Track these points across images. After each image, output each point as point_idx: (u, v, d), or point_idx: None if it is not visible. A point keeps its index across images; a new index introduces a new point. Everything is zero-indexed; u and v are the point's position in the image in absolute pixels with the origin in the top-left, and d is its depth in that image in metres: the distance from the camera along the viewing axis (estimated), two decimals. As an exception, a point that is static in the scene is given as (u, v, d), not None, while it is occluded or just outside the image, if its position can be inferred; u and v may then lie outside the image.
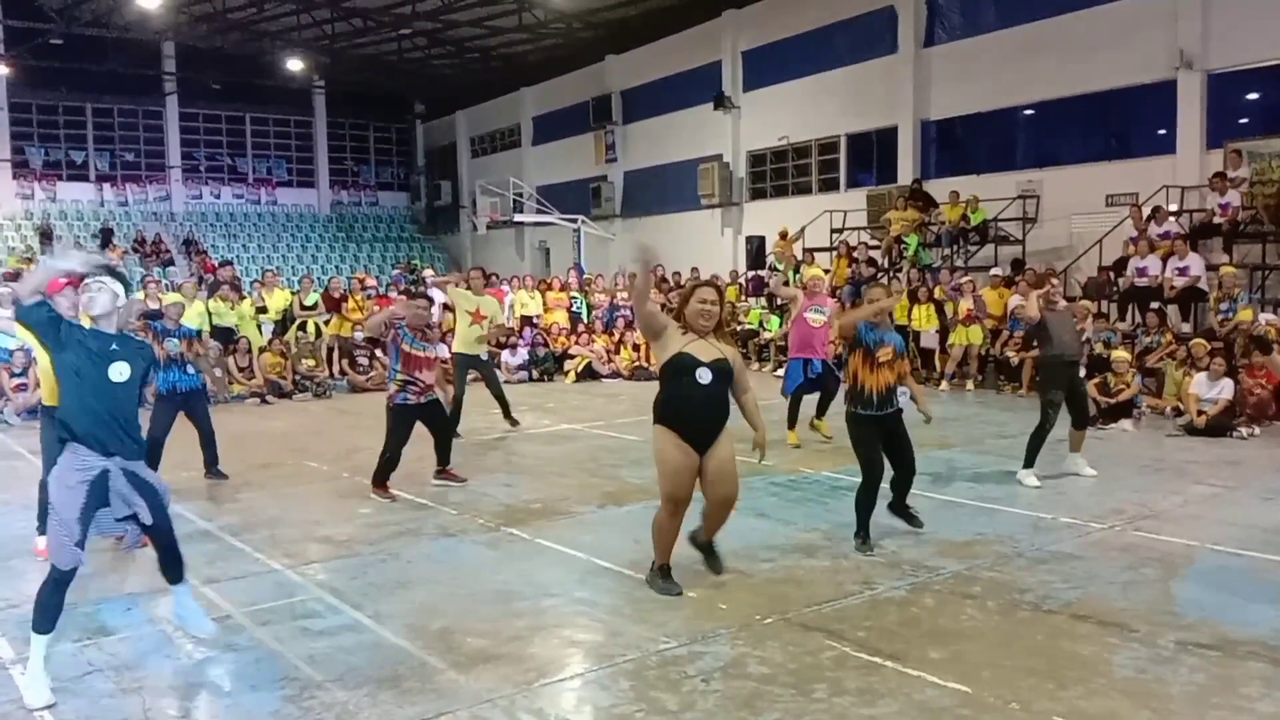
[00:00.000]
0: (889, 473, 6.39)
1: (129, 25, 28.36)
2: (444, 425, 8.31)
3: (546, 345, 17.58)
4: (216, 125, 34.28)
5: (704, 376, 5.18)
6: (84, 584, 5.62)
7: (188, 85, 32.66)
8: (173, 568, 4.64)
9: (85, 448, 4.28)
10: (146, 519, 4.40)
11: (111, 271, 4.58)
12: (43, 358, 6.36)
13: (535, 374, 16.83)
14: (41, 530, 6.32)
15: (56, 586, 4.21)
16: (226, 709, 4.21)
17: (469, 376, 10.98)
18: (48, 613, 4.20)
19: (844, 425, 6.51)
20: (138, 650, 4.74)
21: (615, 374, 17.05)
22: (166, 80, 32.50)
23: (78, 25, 28.08)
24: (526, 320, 18.02)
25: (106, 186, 32.08)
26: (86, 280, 4.44)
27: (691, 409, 5.22)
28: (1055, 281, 8.56)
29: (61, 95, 31.13)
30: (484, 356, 11.53)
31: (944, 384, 14.52)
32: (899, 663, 4.46)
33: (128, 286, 4.60)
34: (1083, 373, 8.33)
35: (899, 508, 6.64)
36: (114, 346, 4.36)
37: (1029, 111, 18.23)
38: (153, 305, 14.14)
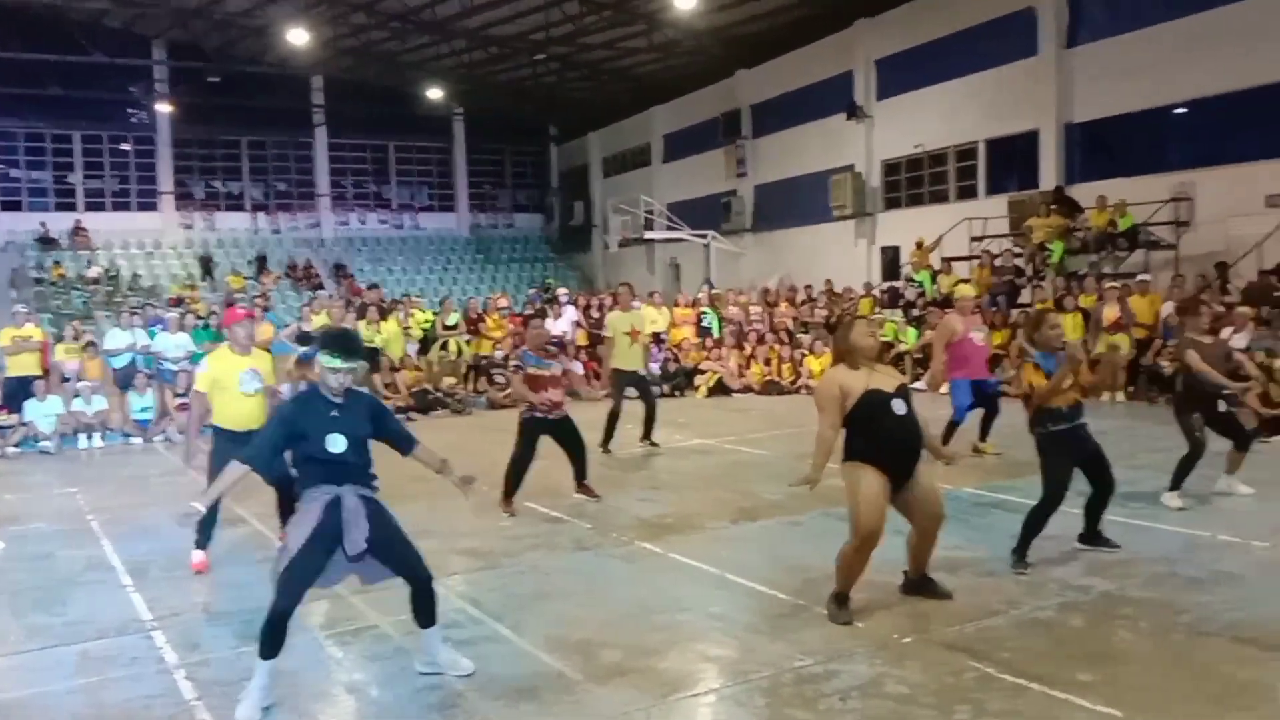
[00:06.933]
0: (1066, 499, 6.14)
1: (280, 62, 29.94)
2: (577, 442, 8.43)
3: (677, 360, 17.65)
4: (362, 154, 35.79)
5: (899, 408, 5.14)
6: (243, 592, 5.96)
7: (335, 117, 34.23)
8: (425, 611, 4.60)
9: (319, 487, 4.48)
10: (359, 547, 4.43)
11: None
12: (212, 382, 6.76)
13: (666, 389, 16.88)
14: (199, 545, 6.69)
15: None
16: (374, 715, 4.37)
17: (628, 393, 11.14)
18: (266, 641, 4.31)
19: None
20: (290, 657, 4.94)
21: (747, 389, 16.97)
22: (315, 113, 34.13)
23: (233, 63, 29.79)
24: (655, 336, 18.12)
25: (261, 215, 33.86)
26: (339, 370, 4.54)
27: (894, 442, 5.15)
28: (1205, 303, 8.02)
29: (219, 130, 33.00)
30: (644, 373, 11.68)
31: (1113, 395, 13.86)
32: (1046, 685, 4.31)
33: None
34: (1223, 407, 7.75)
35: (1093, 536, 6.38)
36: (334, 414, 4.52)
37: (1180, 110, 17.37)
38: (306, 327, 14.83)
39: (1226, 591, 5.52)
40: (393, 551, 4.53)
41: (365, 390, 4.98)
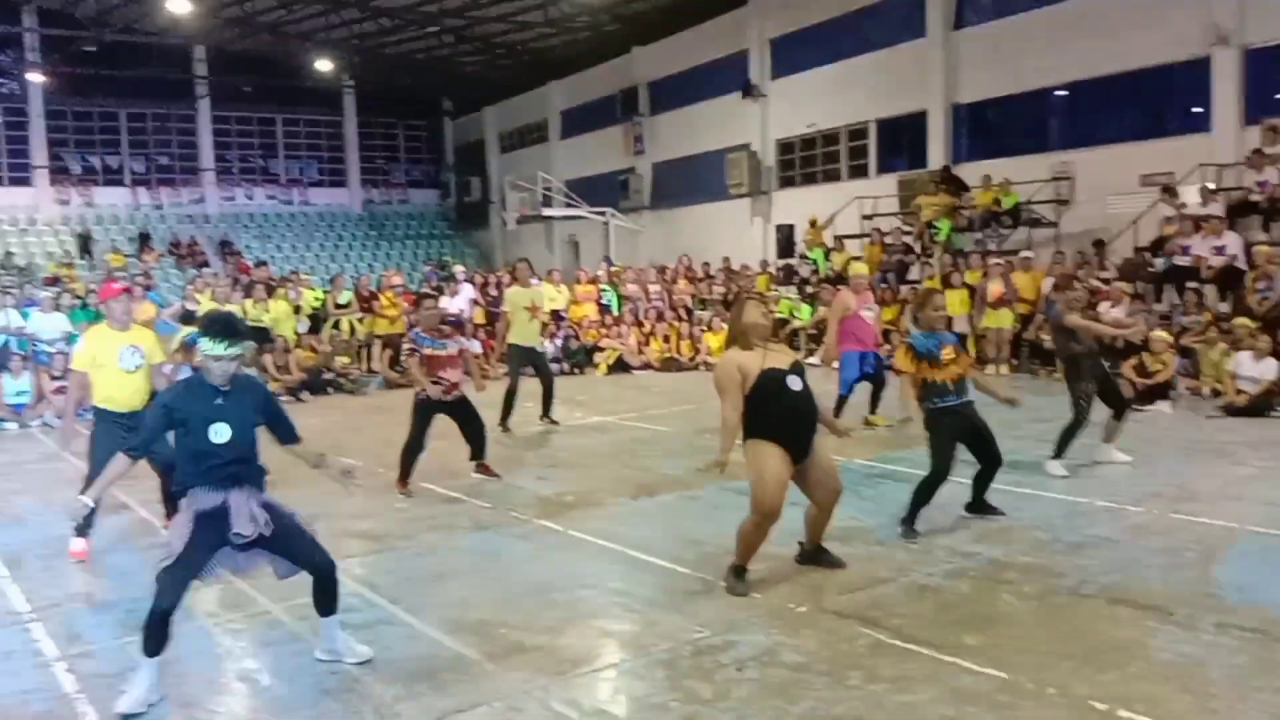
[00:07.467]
0: (953, 471, 6.35)
1: (160, 31, 28.74)
2: (474, 421, 8.34)
3: (578, 338, 17.63)
4: (249, 127, 34.62)
5: (795, 384, 5.20)
6: (126, 580, 5.76)
7: (219, 88, 33.03)
8: (326, 600, 4.49)
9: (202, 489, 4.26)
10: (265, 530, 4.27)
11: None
12: (90, 360, 6.47)
13: (566, 366, 16.87)
14: (79, 533, 6.42)
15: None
16: (267, 704, 4.26)
17: (524, 370, 11.05)
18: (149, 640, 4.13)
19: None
20: (178, 646, 4.79)
21: (647, 365, 17.05)
22: (198, 84, 32.89)
23: (110, 32, 28.48)
24: (555, 314, 18.05)
25: (142, 190, 32.47)
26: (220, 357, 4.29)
27: (794, 418, 5.22)
28: (1079, 285, 8.37)
29: (96, 101, 31.53)
30: (540, 349, 11.59)
31: (997, 368, 14.28)
32: (934, 649, 4.44)
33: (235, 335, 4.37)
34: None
35: (979, 505, 6.61)
36: (218, 402, 4.31)
37: (1061, 92, 17.98)
38: (190, 307, 14.33)
39: (1103, 555, 5.77)
40: (290, 543, 4.40)
41: (253, 374, 4.79)
